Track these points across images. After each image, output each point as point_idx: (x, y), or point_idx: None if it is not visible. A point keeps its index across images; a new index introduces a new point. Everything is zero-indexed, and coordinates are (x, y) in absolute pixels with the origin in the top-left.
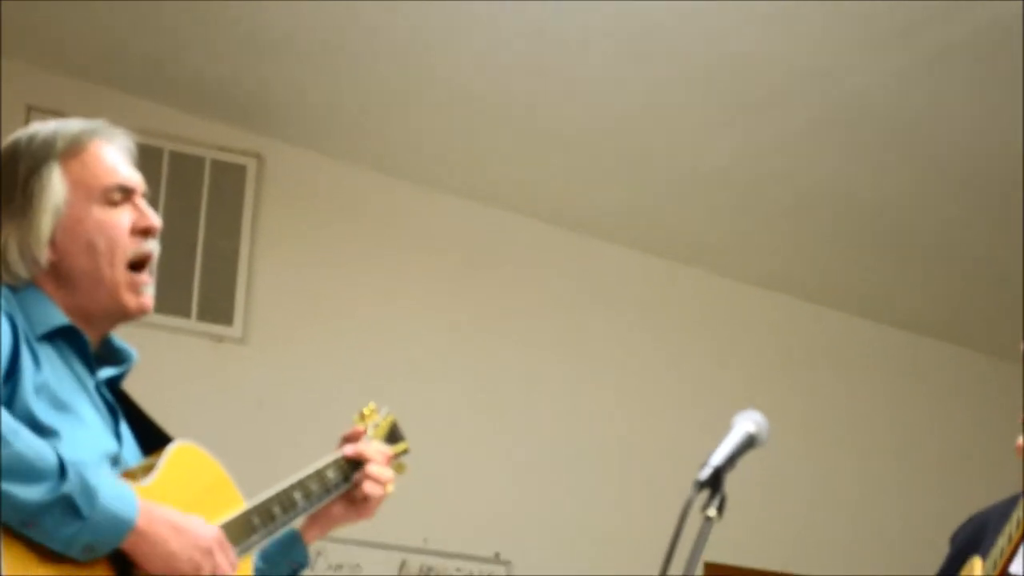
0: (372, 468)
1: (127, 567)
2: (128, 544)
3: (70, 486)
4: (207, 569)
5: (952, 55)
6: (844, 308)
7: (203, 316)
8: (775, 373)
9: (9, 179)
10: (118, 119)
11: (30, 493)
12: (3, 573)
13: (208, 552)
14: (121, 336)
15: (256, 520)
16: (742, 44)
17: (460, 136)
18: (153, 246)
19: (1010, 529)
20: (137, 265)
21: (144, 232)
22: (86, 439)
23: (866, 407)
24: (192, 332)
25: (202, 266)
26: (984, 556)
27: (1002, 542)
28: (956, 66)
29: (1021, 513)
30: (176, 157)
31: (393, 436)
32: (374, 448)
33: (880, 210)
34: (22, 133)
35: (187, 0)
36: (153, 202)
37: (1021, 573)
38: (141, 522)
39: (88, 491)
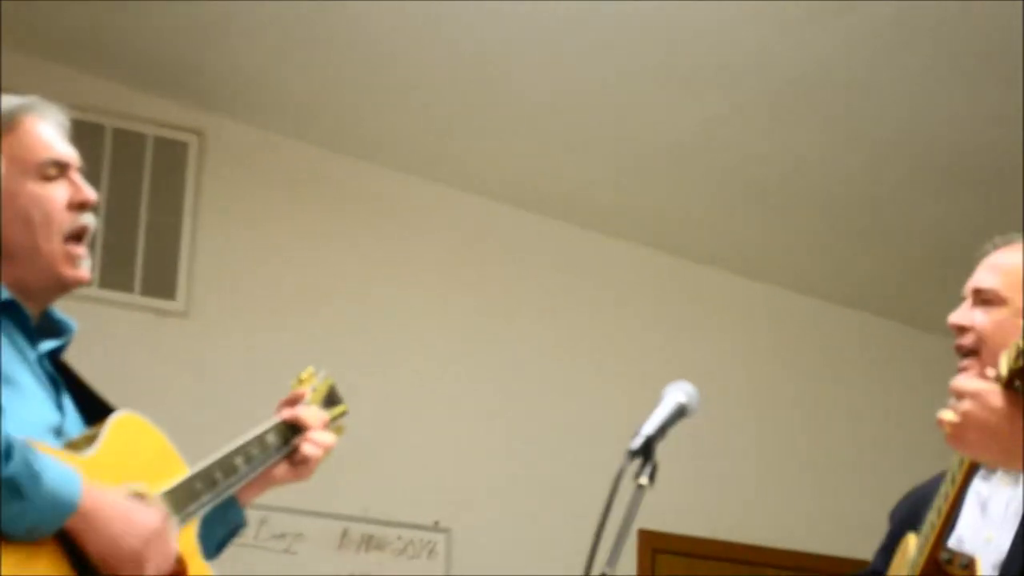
0: (311, 432)
1: (74, 547)
2: (71, 525)
3: (14, 468)
4: (148, 554)
5: (903, 28)
6: (787, 285)
7: (146, 291)
8: (714, 348)
9: None
10: (59, 94)
11: None
12: None
13: (149, 541)
14: (66, 311)
15: (199, 486)
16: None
17: (399, 111)
18: (89, 219)
19: (939, 503)
20: (74, 238)
21: (80, 206)
22: (29, 411)
23: (802, 380)
24: (136, 306)
25: (145, 241)
26: (919, 532)
27: (932, 517)
28: (907, 40)
29: (949, 487)
30: (118, 133)
31: (331, 399)
32: (312, 412)
33: (828, 189)
34: None
35: None
36: (95, 178)
37: (956, 545)
38: (86, 504)
39: (33, 474)
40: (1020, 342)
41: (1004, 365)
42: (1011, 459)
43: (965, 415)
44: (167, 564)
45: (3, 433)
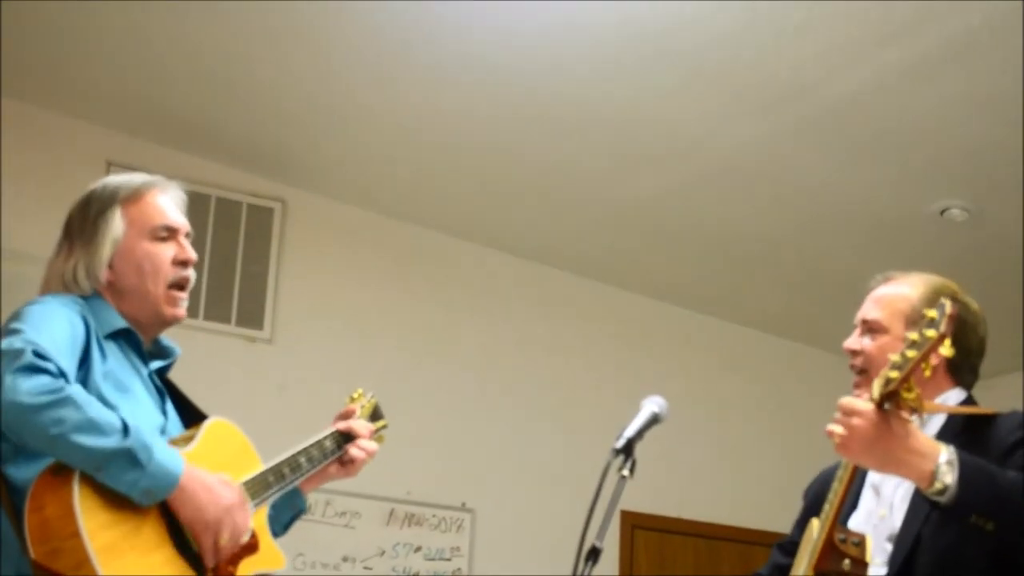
0: (360, 441)
1: (172, 515)
2: (171, 495)
3: (132, 441)
4: (226, 522)
5: (815, 124)
6: (734, 319)
7: (240, 322)
8: (679, 368)
9: (83, 216)
10: (174, 172)
11: (101, 443)
12: (77, 510)
13: (228, 510)
14: (179, 337)
15: (271, 478)
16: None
17: (449, 182)
18: (190, 273)
19: (831, 497)
20: (176, 286)
21: (183, 263)
22: (140, 414)
23: (749, 394)
24: (231, 334)
25: (240, 284)
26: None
27: (826, 507)
28: (819, 131)
29: (838, 484)
30: (220, 202)
31: (375, 415)
32: (361, 424)
33: (732, 230)
34: (98, 183)
35: (227, 78)
36: (201, 236)
37: (856, 525)
38: (184, 479)
39: (146, 447)
40: (887, 372)
41: (876, 390)
42: (884, 466)
43: (849, 429)
44: (240, 534)
45: (120, 416)
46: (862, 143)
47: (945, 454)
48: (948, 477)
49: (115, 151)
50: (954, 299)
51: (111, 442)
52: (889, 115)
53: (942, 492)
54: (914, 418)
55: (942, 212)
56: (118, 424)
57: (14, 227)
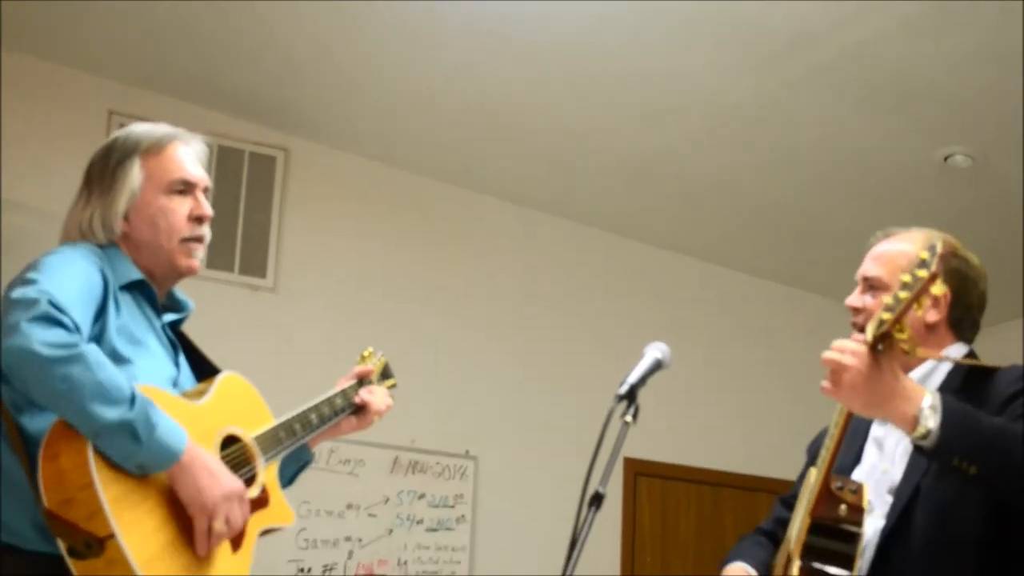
0: (375, 400)
1: None
2: (171, 472)
3: (135, 414)
4: (222, 509)
5: (820, 77)
6: (734, 267)
7: (243, 271)
8: (683, 317)
9: (103, 165)
10: (176, 121)
11: (104, 413)
12: (91, 461)
13: (228, 497)
14: (180, 288)
15: (282, 434)
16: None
17: (440, 130)
18: (206, 230)
19: (827, 442)
20: (190, 240)
21: (198, 219)
22: (153, 366)
23: (751, 344)
24: (234, 283)
25: (243, 233)
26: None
27: (823, 453)
28: (823, 84)
29: (833, 428)
30: (222, 150)
31: (385, 374)
32: (375, 388)
33: (745, 187)
34: (121, 132)
35: (231, 28)
36: (211, 190)
37: (860, 478)
38: (185, 459)
39: (148, 422)
40: (882, 314)
41: (870, 332)
42: (870, 408)
43: (840, 367)
44: (237, 522)
45: (131, 386)
46: (867, 93)
47: (929, 399)
48: (931, 421)
49: (117, 101)
50: (955, 253)
51: (114, 414)
52: (894, 65)
53: (925, 436)
54: (916, 372)
55: (946, 159)
56: (126, 393)
57: (15, 179)
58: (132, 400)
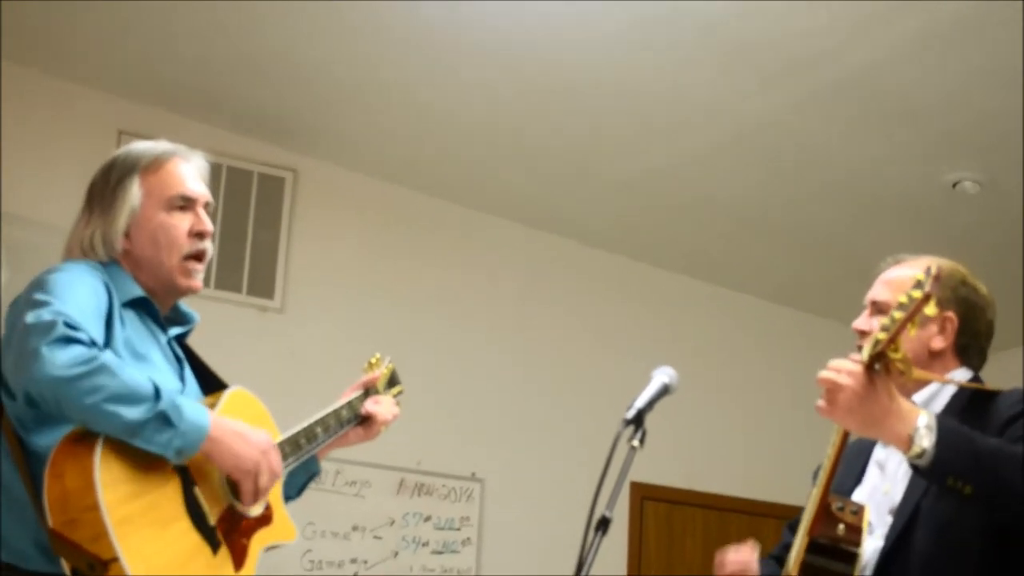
0: (381, 410)
1: (188, 478)
2: (204, 448)
3: (164, 404)
4: (264, 465)
5: (839, 97)
6: (740, 289)
7: (251, 291)
8: (690, 340)
9: (104, 183)
10: (186, 141)
11: (136, 413)
12: (97, 483)
13: (264, 452)
14: (191, 306)
15: (287, 449)
16: None
17: (441, 150)
18: (207, 245)
19: (824, 462)
20: (191, 258)
21: (199, 235)
22: (157, 380)
23: (757, 368)
24: (243, 304)
25: (251, 254)
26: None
27: (820, 474)
28: (841, 105)
29: (830, 449)
30: (231, 171)
31: (392, 381)
32: (381, 398)
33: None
34: (122, 149)
35: (240, 48)
36: (212, 206)
37: (862, 499)
38: (214, 431)
39: (176, 407)
40: (878, 334)
41: (865, 351)
42: (865, 428)
43: (836, 387)
44: (276, 474)
45: (150, 379)
46: (874, 115)
47: (924, 418)
48: (925, 441)
49: (127, 120)
50: (964, 282)
51: (144, 409)
52: (902, 87)
53: (920, 455)
54: (918, 396)
55: (954, 185)
56: (150, 388)
57: (20, 195)
58: (157, 392)
